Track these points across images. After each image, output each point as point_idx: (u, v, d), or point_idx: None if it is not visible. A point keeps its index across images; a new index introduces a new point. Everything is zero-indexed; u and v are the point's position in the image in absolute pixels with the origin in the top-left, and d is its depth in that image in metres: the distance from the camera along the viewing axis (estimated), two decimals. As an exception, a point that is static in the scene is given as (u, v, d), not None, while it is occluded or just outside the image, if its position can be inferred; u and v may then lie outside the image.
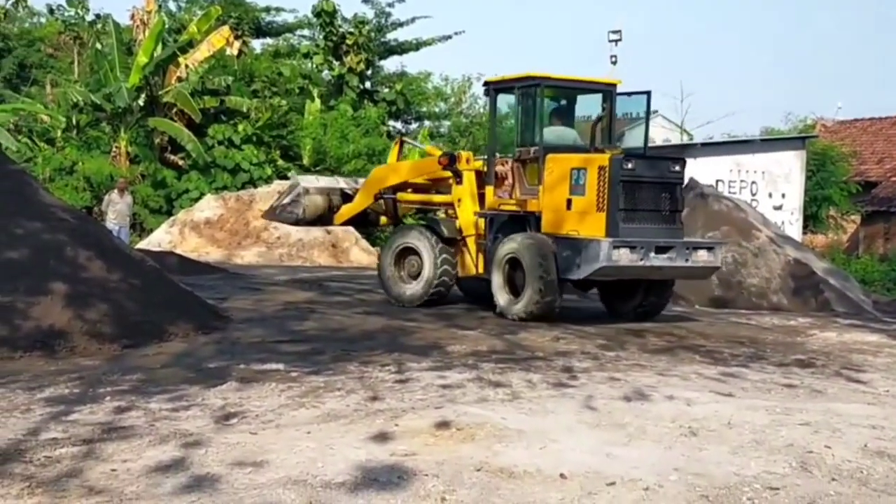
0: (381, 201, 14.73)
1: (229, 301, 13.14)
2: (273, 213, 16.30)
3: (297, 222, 16.13)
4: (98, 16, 32.78)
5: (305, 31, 37.00)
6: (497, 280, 12.47)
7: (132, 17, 30.78)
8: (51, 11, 35.38)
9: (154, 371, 8.10)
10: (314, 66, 33.31)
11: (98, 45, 29.26)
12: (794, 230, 26.75)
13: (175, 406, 6.79)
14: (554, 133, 12.89)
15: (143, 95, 27.67)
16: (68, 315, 9.07)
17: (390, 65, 37.38)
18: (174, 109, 28.20)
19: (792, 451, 6.01)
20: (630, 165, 11.66)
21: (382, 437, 6.04)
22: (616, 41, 24.52)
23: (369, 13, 34.13)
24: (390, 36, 35.39)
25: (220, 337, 10.17)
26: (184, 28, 30.66)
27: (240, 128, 28.20)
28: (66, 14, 33.92)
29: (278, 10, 37.42)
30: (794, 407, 7.38)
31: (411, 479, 5.17)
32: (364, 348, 9.70)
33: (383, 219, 15.37)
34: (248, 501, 4.75)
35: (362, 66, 32.66)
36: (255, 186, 26.35)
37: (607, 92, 13.27)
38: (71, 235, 10.21)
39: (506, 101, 14.60)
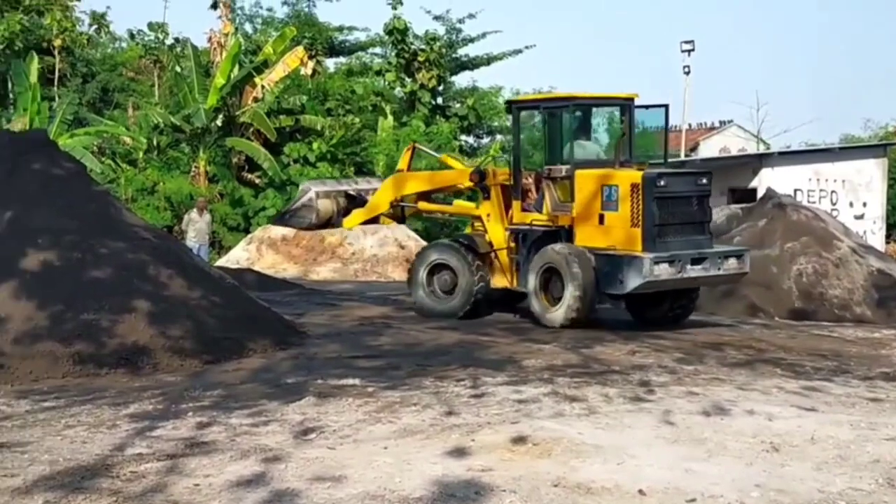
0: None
1: (306, 317, 13.30)
2: (284, 220, 16.53)
3: (310, 227, 16.36)
4: (177, 39, 33.62)
5: (378, 49, 37.46)
6: (533, 289, 12.79)
7: (209, 39, 31.53)
8: (132, 36, 36.40)
9: (234, 387, 8.25)
10: (386, 83, 33.63)
11: (177, 68, 30.00)
12: (877, 240, 26.08)
13: (255, 421, 6.91)
14: (579, 148, 13.18)
15: (220, 116, 28.29)
16: (151, 332, 9.29)
17: (462, 80, 37.59)
18: (251, 129, 28.76)
19: (878, 468, 5.85)
20: (663, 182, 12.13)
21: (459, 453, 6.05)
22: (689, 51, 24.28)
23: (440, 30, 34.38)
24: (461, 52, 35.59)
25: (297, 352, 10.31)
26: (259, 49, 31.28)
27: (314, 146, 28.61)
28: (147, 38, 34.86)
29: (351, 29, 37.95)
30: (880, 421, 7.19)
31: (488, 495, 5.17)
32: (439, 363, 9.73)
33: (385, 219, 15.69)
34: (328, 516, 4.81)
35: (434, 82, 32.86)
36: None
37: (625, 106, 13.64)
38: (153, 254, 10.46)
39: (529, 120, 15.07)
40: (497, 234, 13.72)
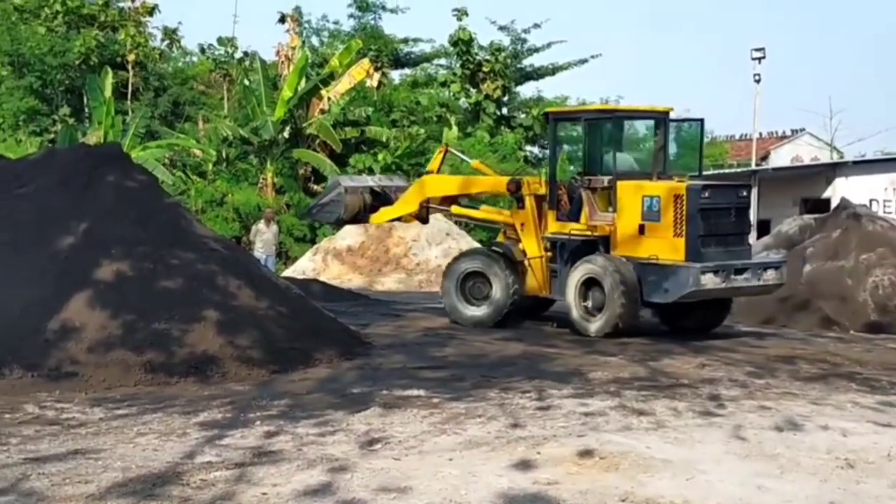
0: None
1: (371, 327, 13.37)
2: (312, 214, 16.61)
3: (338, 221, 16.55)
4: (246, 53, 34.21)
5: (442, 61, 37.63)
6: (572, 299, 12.98)
7: (277, 53, 32.03)
8: (202, 51, 37.14)
9: (301, 396, 8.32)
10: (451, 94, 33.77)
11: (246, 82, 30.51)
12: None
13: (321, 431, 6.95)
14: (618, 160, 13.40)
15: (287, 128, 28.68)
16: (220, 341, 9.42)
17: (526, 90, 37.54)
18: (317, 141, 29.11)
19: (959, 487, 5.67)
20: (707, 194, 12.52)
21: (525, 465, 6.02)
22: (759, 59, 24.03)
23: (505, 40, 34.42)
24: (526, 62, 35.58)
25: (362, 363, 10.36)
26: (326, 62, 31.65)
27: (379, 157, 28.81)
28: (217, 53, 35.53)
29: (416, 40, 38.20)
30: (961, 439, 6.96)
31: (555, 509, 5.13)
32: (504, 374, 9.70)
33: (408, 218, 15.82)
34: (394, 527, 4.81)
35: (499, 92, 32.90)
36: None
37: (661, 120, 14.02)
38: (222, 265, 10.61)
39: (567, 131, 15.63)
40: (530, 243, 13.94)
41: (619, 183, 12.86)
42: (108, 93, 28.20)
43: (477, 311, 14.03)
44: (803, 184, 24.74)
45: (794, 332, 14.00)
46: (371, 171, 28.57)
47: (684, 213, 12.27)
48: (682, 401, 8.32)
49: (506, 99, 34.56)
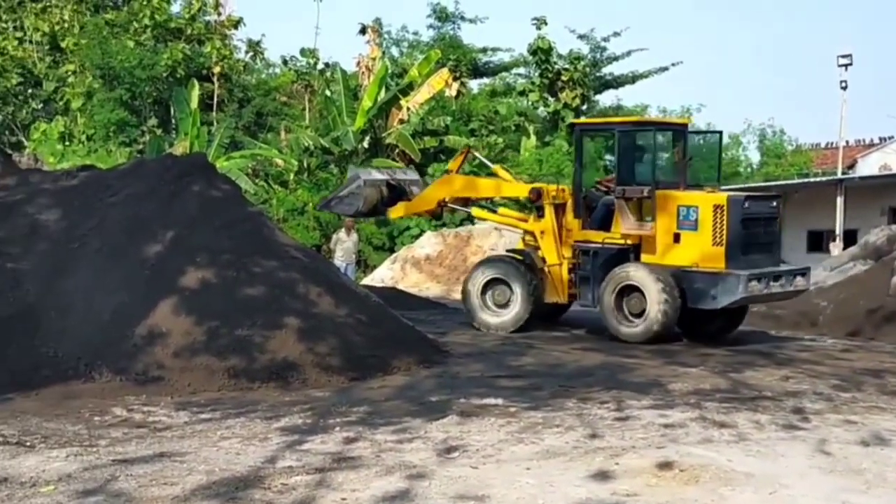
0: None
1: (448, 336, 13.41)
2: (330, 206, 16.77)
3: (357, 214, 16.67)
4: (327, 64, 34.70)
5: (521, 70, 37.58)
6: (609, 306, 13.30)
7: (358, 63, 32.43)
8: (284, 62, 37.80)
9: (379, 403, 8.40)
10: (530, 103, 33.73)
11: (327, 92, 30.94)
12: None
13: (399, 438, 7.01)
14: (644, 169, 14.01)
15: (367, 138, 28.98)
16: (300, 348, 9.57)
17: (606, 99, 37.27)
18: (396, 150, 29.36)
19: None
20: (747, 205, 13.06)
21: (603, 476, 5.98)
22: (846, 65, 23.73)
23: (585, 49, 34.23)
24: (606, 70, 35.32)
25: (440, 371, 10.41)
26: (405, 72, 31.92)
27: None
28: (299, 64, 36.12)
29: (495, 50, 38.25)
30: None
31: (633, 520, 5.09)
32: (582, 384, 9.64)
33: (424, 214, 16.39)
34: (471, 535, 4.83)
35: (578, 101, 32.74)
36: (473, 223, 26.89)
37: (681, 131, 14.67)
38: (303, 273, 10.78)
39: (593, 141, 16.56)
40: (550, 250, 14.29)
41: (659, 192, 13.19)
42: (194, 104, 28.88)
43: (498, 317, 14.35)
44: (892, 193, 24.01)
45: (881, 344, 13.60)
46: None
47: (726, 222, 12.69)
48: (764, 413, 8.17)
49: (585, 108, 34.36)
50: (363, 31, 33.43)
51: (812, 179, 27.82)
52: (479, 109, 32.18)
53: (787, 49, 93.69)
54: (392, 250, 27.06)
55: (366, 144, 28.99)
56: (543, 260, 14.36)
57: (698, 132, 17.02)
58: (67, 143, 31.13)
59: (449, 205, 15.57)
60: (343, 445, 6.76)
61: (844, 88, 30.91)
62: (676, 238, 13.09)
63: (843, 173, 28.60)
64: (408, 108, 29.71)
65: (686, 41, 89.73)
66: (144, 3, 33.75)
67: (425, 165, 28.95)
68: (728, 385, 9.74)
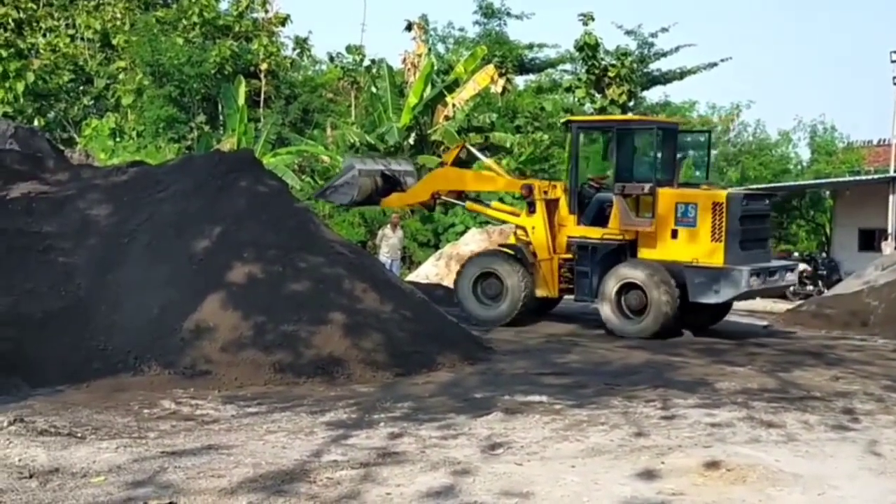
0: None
1: (493, 332, 13.41)
2: (325, 195, 16.95)
3: (351, 204, 16.83)
4: (373, 61, 34.78)
5: (567, 66, 37.41)
6: (608, 302, 13.67)
7: (403, 60, 32.46)
8: (331, 59, 37.98)
9: (423, 399, 8.42)
10: (576, 99, 33.51)
11: (373, 89, 31.02)
12: None
13: (444, 434, 7.02)
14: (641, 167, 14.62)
15: (413, 134, 29.02)
16: (346, 344, 9.62)
17: (653, 95, 36.95)
18: (441, 147, 29.34)
19: None
20: (746, 202, 13.62)
21: (648, 475, 5.94)
22: None
23: (632, 44, 33.94)
24: (653, 66, 35.00)
25: (484, 368, 10.41)
26: (451, 69, 31.90)
27: (503, 163, 28.81)
28: (345, 61, 36.25)
29: (541, 46, 38.10)
30: None
31: (679, 520, 5.04)
32: (628, 382, 9.58)
33: (417, 205, 16.81)
34: (515, 532, 4.82)
35: (624, 97, 32.46)
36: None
37: (673, 131, 15.14)
38: (348, 269, 10.83)
39: (588, 138, 17.36)
40: (541, 245, 14.62)
41: (660, 190, 13.61)
42: (241, 101, 29.13)
43: (489, 310, 14.62)
44: (947, 190, 23.51)
45: (936, 345, 13.35)
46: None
47: (724, 219, 13.10)
48: (813, 414, 8.06)
49: (632, 104, 34.06)
50: (409, 27, 33.44)
51: (864, 177, 27.33)
52: (524, 106, 32.07)
53: (839, 44, 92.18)
54: (437, 247, 27.06)
55: (411, 141, 29.03)
56: (534, 254, 14.71)
57: (689, 131, 18.46)
58: (118, 139, 31.55)
59: (443, 198, 16.04)
60: (388, 441, 6.78)
61: (897, 84, 30.24)
62: (674, 234, 13.51)
63: (896, 171, 28.07)
64: (453, 105, 29.70)
65: (735, 36, 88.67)
66: (193, 0, 34.11)
67: (471, 162, 28.91)
68: (776, 385, 9.62)
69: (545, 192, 14.70)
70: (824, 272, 24.13)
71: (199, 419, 7.40)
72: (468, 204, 16.46)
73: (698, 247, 13.26)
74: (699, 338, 13.84)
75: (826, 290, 20.55)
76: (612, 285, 13.64)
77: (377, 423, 7.34)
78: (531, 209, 14.82)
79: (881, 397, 9.01)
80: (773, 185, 26.82)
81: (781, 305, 20.73)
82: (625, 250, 14.04)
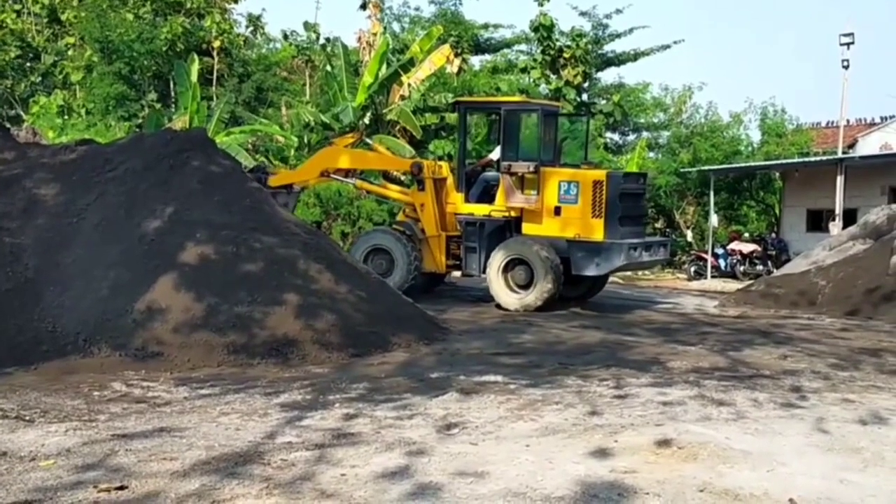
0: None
1: (448, 313, 13.43)
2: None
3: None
4: (328, 39, 34.49)
5: (523, 47, 37.35)
6: (497, 278, 14.44)
7: (359, 39, 32.19)
8: (285, 37, 37.56)
9: (379, 380, 8.41)
10: (532, 80, 33.53)
11: (328, 68, 30.75)
12: None
13: (399, 415, 7.02)
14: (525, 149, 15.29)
15: (368, 114, 28.82)
16: (300, 325, 9.58)
17: (608, 76, 37.05)
18: (397, 127, 29.20)
19: None
20: (623, 181, 14.39)
21: (602, 453, 6.00)
22: (848, 44, 23.87)
23: (587, 26, 34.00)
24: (608, 48, 35.08)
25: (440, 348, 10.42)
26: (406, 48, 31.70)
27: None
28: (299, 39, 35.88)
29: (496, 26, 37.99)
30: None
31: (631, 497, 5.10)
32: (582, 362, 9.66)
33: (304, 185, 17.55)
34: (470, 511, 4.84)
35: (579, 78, 32.56)
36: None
37: (554, 113, 16.00)
38: (303, 249, 10.77)
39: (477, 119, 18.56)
40: (429, 222, 15.44)
41: (544, 169, 14.44)
42: (193, 78, 28.69)
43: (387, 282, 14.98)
44: (892, 172, 23.92)
45: (880, 323, 13.63)
46: (450, 158, 28.69)
47: (604, 196, 13.93)
48: (763, 392, 8.19)
49: (586, 85, 34.18)
50: (364, 6, 33.16)
51: (812, 158, 27.71)
52: (480, 86, 31.96)
53: (790, 28, 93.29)
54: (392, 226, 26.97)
55: (367, 120, 28.83)
56: (423, 231, 15.54)
57: (569, 115, 19.66)
58: (66, 116, 30.97)
59: (332, 175, 16.67)
60: (343, 422, 6.77)
61: (846, 67, 30.74)
62: (557, 211, 14.32)
63: (844, 153, 28.47)
64: (409, 85, 29.53)
65: (688, 18, 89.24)
66: (143, -24, 33.53)
67: (426, 142, 28.82)
68: (727, 363, 9.76)
69: (433, 172, 15.42)
70: (773, 252, 24.48)
71: (151, 401, 7.32)
72: (357, 182, 17.29)
73: (580, 223, 14.08)
74: (650, 317, 13.99)
75: (775, 270, 20.87)
76: (498, 260, 14.35)
77: (332, 405, 7.32)
78: (420, 187, 15.56)
79: (828, 375, 9.18)
80: (724, 166, 27.08)
81: (732, 285, 21.01)
82: (510, 226, 14.84)
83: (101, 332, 8.97)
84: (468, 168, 15.68)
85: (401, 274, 15.21)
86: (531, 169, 14.58)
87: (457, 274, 16.23)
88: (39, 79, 34.27)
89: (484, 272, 14.75)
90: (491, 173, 15.48)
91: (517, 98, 18.03)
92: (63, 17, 34.34)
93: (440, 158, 28.54)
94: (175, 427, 6.45)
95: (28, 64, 34.44)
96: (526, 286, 14.25)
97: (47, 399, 7.27)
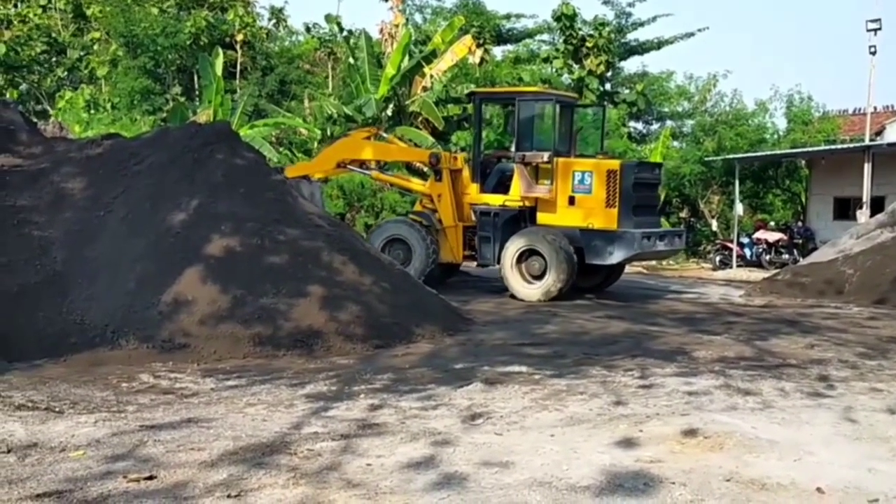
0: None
1: (472, 304, 13.45)
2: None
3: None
4: (351, 31, 34.55)
5: (545, 36, 37.26)
6: (510, 268, 14.50)
7: (381, 31, 32.24)
8: (307, 30, 37.66)
9: (403, 371, 8.44)
10: (554, 70, 33.42)
11: (351, 60, 30.80)
12: None
13: (424, 405, 7.04)
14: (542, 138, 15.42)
15: (390, 106, 28.85)
16: (325, 316, 9.61)
17: (631, 65, 36.91)
18: (419, 118, 29.21)
19: None
20: (638, 171, 14.42)
21: (627, 443, 5.99)
22: (875, 30, 23.72)
23: (609, 14, 33.83)
24: (631, 36, 34.92)
25: (464, 339, 10.44)
26: (429, 39, 31.69)
27: (482, 134, 28.75)
28: (322, 31, 35.96)
29: (519, 16, 37.92)
30: None
31: (657, 487, 5.09)
32: (606, 352, 9.64)
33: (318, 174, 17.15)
34: (495, 501, 4.85)
35: (602, 68, 32.41)
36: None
37: (571, 105, 16.29)
38: (327, 241, 10.81)
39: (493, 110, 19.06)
40: (446, 212, 15.50)
41: (558, 160, 14.53)
42: (218, 72, 28.84)
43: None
44: (921, 159, 23.67)
45: (909, 313, 13.50)
46: (463, 149, 28.65)
47: (618, 186, 13.97)
48: (789, 381, 8.15)
49: (609, 74, 34.01)
50: (386, -3, 33.20)
51: (839, 146, 27.44)
52: (502, 77, 31.91)
53: (816, 14, 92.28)
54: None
55: (389, 112, 28.87)
56: (440, 221, 15.59)
57: (586, 105, 19.57)
58: (92, 111, 31.21)
59: (349, 167, 16.72)
60: (368, 412, 6.80)
61: (873, 54, 30.40)
62: (571, 201, 14.37)
63: (871, 140, 28.16)
64: (431, 76, 29.52)
65: (713, 6, 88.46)
66: (167, -30, 33.71)
67: (449, 133, 28.81)
68: (753, 353, 9.71)
69: (450, 162, 15.49)
70: (800, 241, 24.31)
71: (178, 392, 7.38)
72: (374, 173, 17.38)
73: (594, 212, 14.15)
74: (674, 307, 13.95)
75: (801, 259, 20.71)
76: (513, 251, 14.41)
77: (357, 395, 7.35)
78: (437, 177, 15.60)
79: (856, 364, 9.11)
80: (749, 154, 26.88)
81: (758, 274, 20.88)
82: (525, 216, 14.89)
83: (128, 324, 9.05)
84: (483, 158, 15.77)
85: (418, 264, 15.25)
86: (546, 159, 14.72)
87: (470, 264, 16.25)
88: (65, 73, 34.57)
89: (498, 262, 14.80)
90: (507, 164, 15.54)
91: (532, 88, 18.36)
92: (88, 12, 34.60)
93: (462, 149, 28.61)
94: (202, 418, 6.50)
95: (54, 59, 34.74)
96: (540, 277, 14.31)
97: (76, 391, 7.34)
